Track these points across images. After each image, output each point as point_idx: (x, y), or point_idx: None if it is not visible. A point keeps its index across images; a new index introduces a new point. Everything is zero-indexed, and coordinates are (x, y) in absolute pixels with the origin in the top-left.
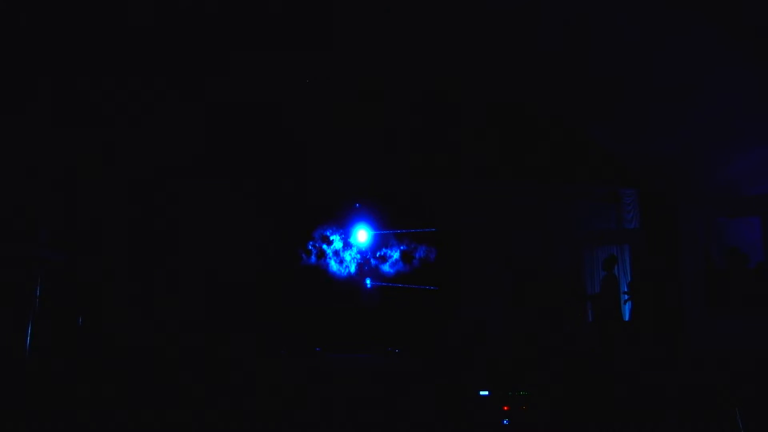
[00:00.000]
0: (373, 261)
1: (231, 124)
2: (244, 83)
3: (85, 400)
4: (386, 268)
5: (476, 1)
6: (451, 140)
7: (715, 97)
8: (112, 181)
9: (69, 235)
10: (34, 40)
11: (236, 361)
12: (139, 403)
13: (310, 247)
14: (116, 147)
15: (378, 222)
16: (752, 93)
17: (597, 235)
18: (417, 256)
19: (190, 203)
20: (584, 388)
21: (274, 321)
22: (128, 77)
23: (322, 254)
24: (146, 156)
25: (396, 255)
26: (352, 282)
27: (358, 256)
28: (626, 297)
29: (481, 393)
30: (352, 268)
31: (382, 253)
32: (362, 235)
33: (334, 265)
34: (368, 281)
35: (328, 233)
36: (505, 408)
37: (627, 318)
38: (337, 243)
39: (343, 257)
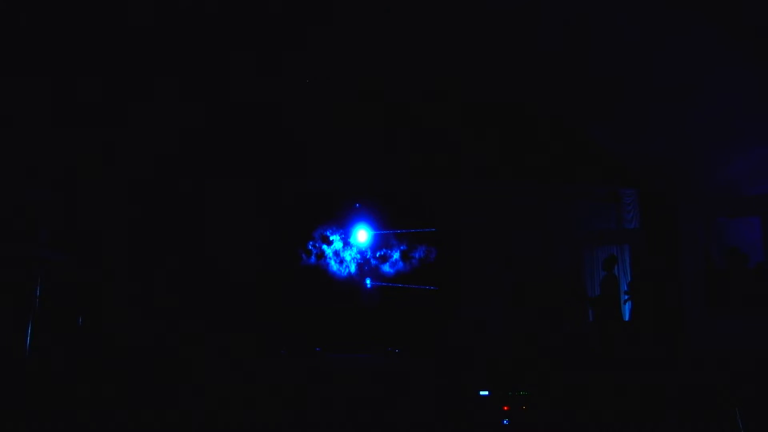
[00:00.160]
0: (373, 261)
1: (231, 123)
2: (244, 83)
3: (85, 400)
4: (386, 268)
5: (476, 1)
6: (451, 140)
7: (715, 97)
8: (112, 181)
9: (69, 235)
10: (34, 39)
11: (236, 361)
12: (139, 403)
13: (310, 247)
14: (116, 147)
15: (378, 222)
16: (752, 93)
17: (597, 235)
18: (417, 256)
19: (190, 203)
20: (584, 388)
21: (274, 321)
22: (128, 77)
23: (322, 254)
24: (146, 156)
25: (396, 255)
26: (352, 282)
27: (358, 256)
28: (626, 297)
29: (481, 393)
30: (352, 268)
31: (382, 253)
32: (362, 235)
33: (334, 265)
34: (368, 281)
35: (328, 233)
36: (505, 408)
37: (627, 318)
38: (337, 243)
39: (343, 257)
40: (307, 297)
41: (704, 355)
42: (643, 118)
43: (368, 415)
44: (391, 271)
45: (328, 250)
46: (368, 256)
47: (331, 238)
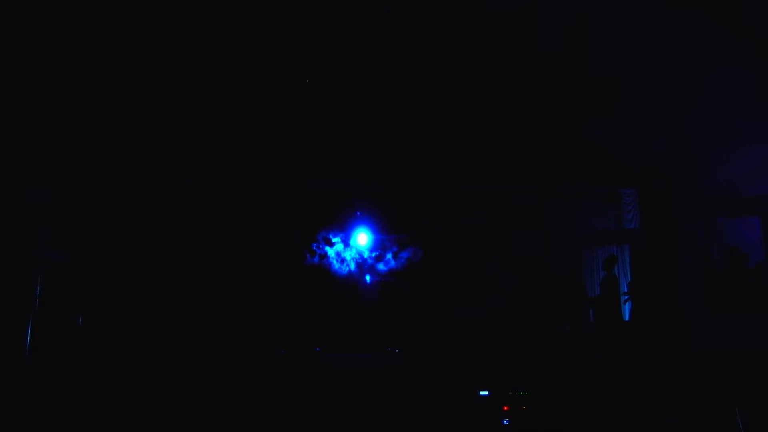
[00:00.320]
0: (373, 261)
1: (231, 123)
2: (244, 83)
3: (85, 399)
4: (386, 268)
5: (476, 1)
6: (451, 140)
7: (715, 97)
8: (112, 181)
9: (69, 235)
10: (34, 39)
11: (236, 361)
12: (139, 403)
13: (313, 248)
14: (116, 147)
15: (378, 222)
16: (752, 93)
17: (597, 235)
18: (417, 256)
19: (190, 203)
20: (584, 388)
21: (274, 321)
22: (128, 77)
23: (323, 255)
24: (146, 156)
25: (395, 255)
26: (352, 282)
27: (358, 255)
28: (626, 297)
29: (481, 393)
30: (352, 268)
31: (382, 253)
32: (362, 236)
33: (334, 265)
34: (368, 281)
35: (329, 234)
36: (505, 408)
37: (627, 318)
38: (338, 244)
39: (344, 257)
40: (307, 297)
41: (704, 355)
42: (643, 118)
43: (368, 415)
44: (391, 271)
45: (329, 251)
46: (368, 256)
47: (333, 241)
